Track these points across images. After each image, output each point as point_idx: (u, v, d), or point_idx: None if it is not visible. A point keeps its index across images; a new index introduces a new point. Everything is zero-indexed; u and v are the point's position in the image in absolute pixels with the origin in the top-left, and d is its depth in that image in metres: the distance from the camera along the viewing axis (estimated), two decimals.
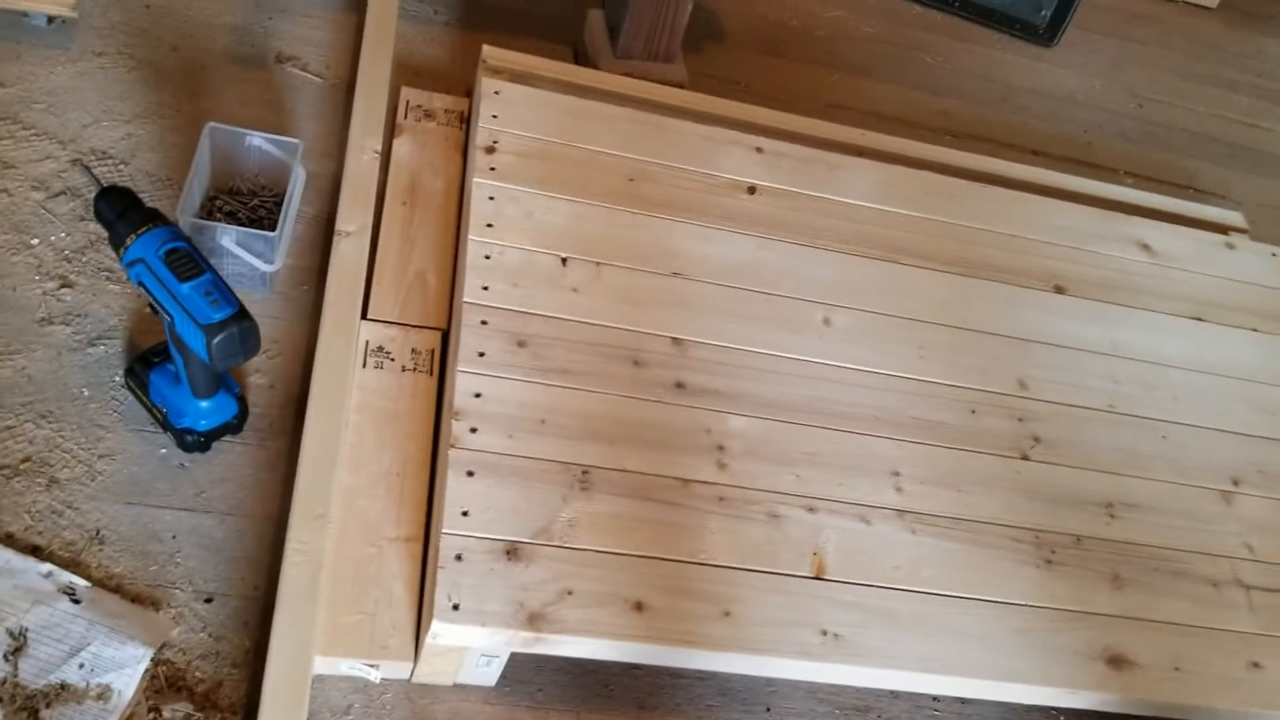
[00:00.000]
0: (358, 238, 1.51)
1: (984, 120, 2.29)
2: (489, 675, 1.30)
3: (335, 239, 1.50)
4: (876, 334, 1.62)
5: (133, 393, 1.38)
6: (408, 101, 1.76)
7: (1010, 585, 1.42)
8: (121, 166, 1.60)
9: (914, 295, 1.68)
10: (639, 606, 1.26)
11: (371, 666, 1.26)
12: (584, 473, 1.34)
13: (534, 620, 1.21)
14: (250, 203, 1.56)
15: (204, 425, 1.35)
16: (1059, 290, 1.78)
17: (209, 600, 1.28)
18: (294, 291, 1.56)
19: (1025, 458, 1.56)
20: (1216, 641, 1.46)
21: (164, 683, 1.20)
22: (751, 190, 1.72)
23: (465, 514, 1.26)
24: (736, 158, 1.75)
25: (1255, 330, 1.86)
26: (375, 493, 1.36)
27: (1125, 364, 1.72)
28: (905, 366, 1.59)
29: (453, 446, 1.31)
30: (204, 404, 1.34)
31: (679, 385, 1.46)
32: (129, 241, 1.24)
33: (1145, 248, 1.91)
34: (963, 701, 1.48)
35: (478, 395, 1.36)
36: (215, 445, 1.39)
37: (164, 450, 1.37)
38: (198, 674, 1.23)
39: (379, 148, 1.62)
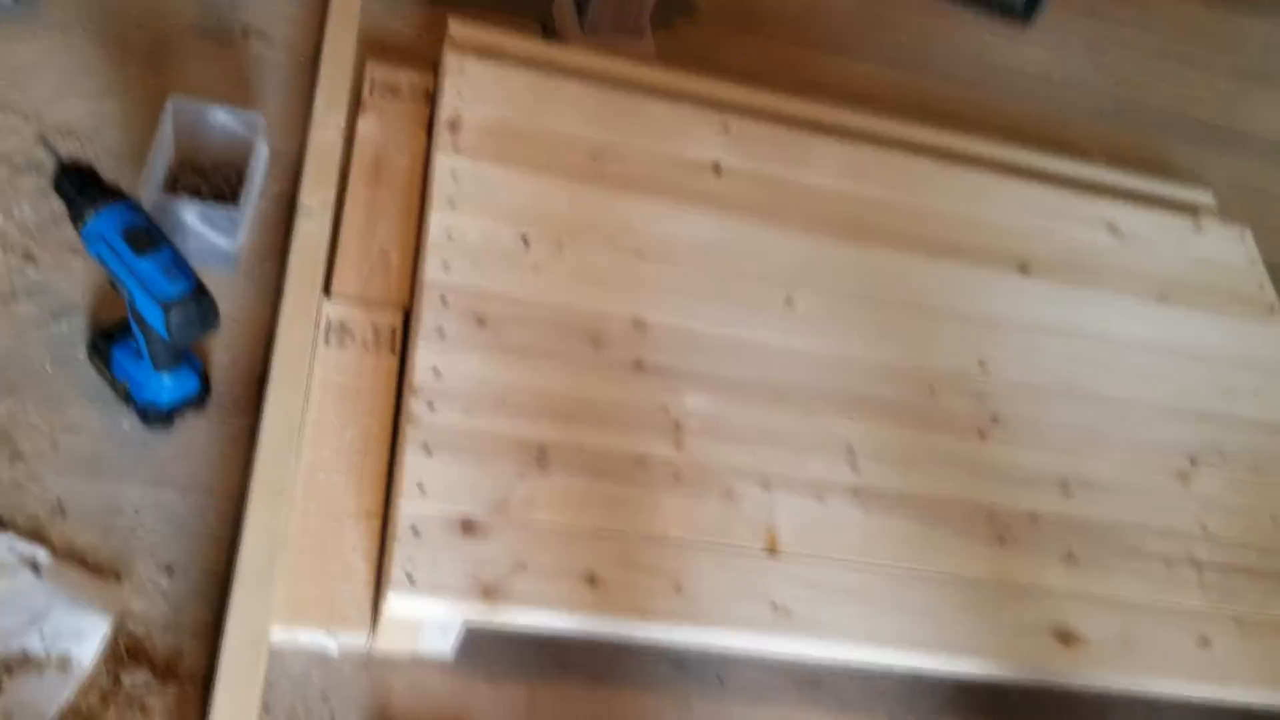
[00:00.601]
0: (320, 214, 1.52)
1: (959, 99, 2.29)
2: (447, 645, 1.32)
3: (297, 215, 1.51)
4: (838, 315, 1.63)
5: (96, 368, 1.40)
6: (373, 78, 1.76)
7: (962, 562, 1.44)
8: (86, 142, 1.60)
9: (877, 276, 1.69)
10: (592, 580, 1.28)
11: (329, 637, 1.28)
12: (541, 450, 1.36)
13: (488, 593, 1.24)
14: (213, 179, 1.57)
15: (166, 400, 1.36)
16: (1023, 271, 1.80)
17: (170, 573, 1.30)
18: (257, 269, 1.56)
19: (983, 436, 1.58)
20: (1166, 618, 1.49)
21: (124, 652, 1.22)
22: (717, 169, 1.73)
23: (421, 489, 1.28)
24: (702, 136, 1.76)
25: (1219, 312, 1.88)
26: (336, 468, 1.37)
27: (1087, 344, 1.74)
28: (865, 347, 1.61)
29: (410, 423, 1.33)
30: (165, 379, 1.35)
31: (638, 365, 1.48)
32: (88, 217, 1.25)
33: (1112, 229, 1.92)
34: (915, 678, 1.50)
35: (436, 372, 1.38)
36: (178, 422, 1.40)
37: (127, 426, 1.38)
38: (158, 644, 1.25)
39: (343, 123, 1.63)
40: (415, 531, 1.25)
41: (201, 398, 1.41)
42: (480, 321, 1.44)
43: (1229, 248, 1.98)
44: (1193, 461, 1.66)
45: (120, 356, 1.36)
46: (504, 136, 1.64)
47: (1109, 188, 2.03)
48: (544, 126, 1.67)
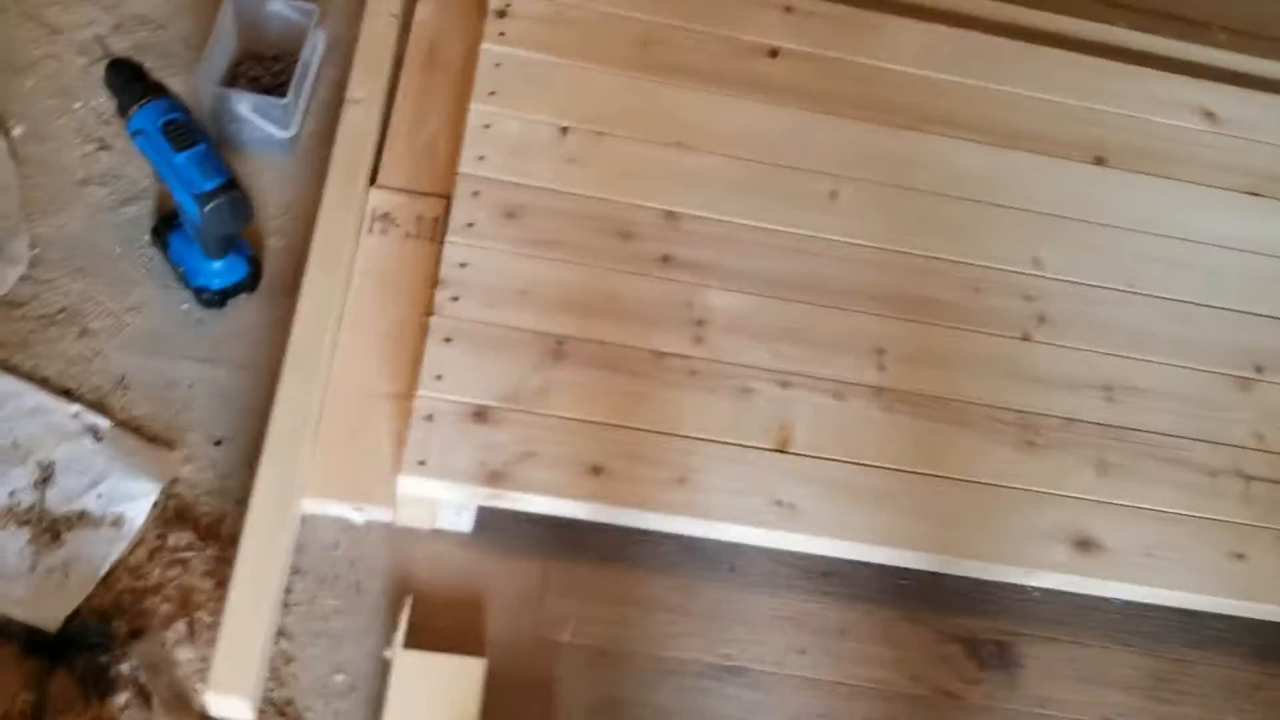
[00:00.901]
0: (366, 105, 1.57)
1: None
2: (464, 523, 1.41)
3: (344, 106, 1.56)
4: (884, 208, 1.60)
5: (159, 251, 1.50)
6: None
7: (982, 465, 1.43)
8: (160, 31, 1.68)
9: (932, 167, 1.64)
10: (596, 470, 1.34)
11: (356, 510, 1.38)
12: (558, 342, 1.40)
13: (494, 478, 1.31)
14: (274, 69, 1.63)
15: (217, 284, 1.46)
16: (1099, 162, 1.71)
17: (218, 443, 1.42)
18: (315, 155, 1.62)
19: (1026, 338, 1.54)
20: (1200, 531, 1.45)
21: (172, 514, 1.36)
22: (774, 54, 1.69)
23: (439, 378, 1.35)
24: (761, 18, 1.71)
25: None
26: (370, 352, 1.45)
27: (1157, 241, 1.65)
28: (910, 242, 1.58)
29: (433, 314, 1.39)
30: (216, 264, 1.45)
31: (666, 259, 1.49)
32: (131, 112, 1.33)
33: (1209, 115, 1.79)
34: (935, 575, 1.51)
35: (463, 265, 1.43)
36: (231, 302, 1.50)
37: (185, 306, 1.49)
38: (203, 508, 1.38)
39: (396, 11, 1.65)
40: (430, 419, 1.32)
41: (253, 282, 1.50)
42: (510, 215, 1.47)
43: None
44: (1258, 369, 1.58)
45: (176, 243, 1.46)
46: (553, 23, 1.64)
47: (1214, 68, 1.89)
48: (595, 12, 1.66)
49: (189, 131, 1.32)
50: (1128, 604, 1.53)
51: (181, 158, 1.31)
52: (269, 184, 1.61)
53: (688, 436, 1.38)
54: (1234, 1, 2.19)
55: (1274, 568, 1.44)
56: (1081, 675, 1.49)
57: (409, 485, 1.30)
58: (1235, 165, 1.75)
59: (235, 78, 1.64)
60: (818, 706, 1.42)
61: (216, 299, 1.48)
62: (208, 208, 1.30)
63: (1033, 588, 1.52)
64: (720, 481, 1.36)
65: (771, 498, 1.36)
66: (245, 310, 1.51)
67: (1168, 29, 2.10)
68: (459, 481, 1.30)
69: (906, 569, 1.49)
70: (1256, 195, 1.73)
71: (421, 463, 1.29)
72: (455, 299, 1.40)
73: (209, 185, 1.30)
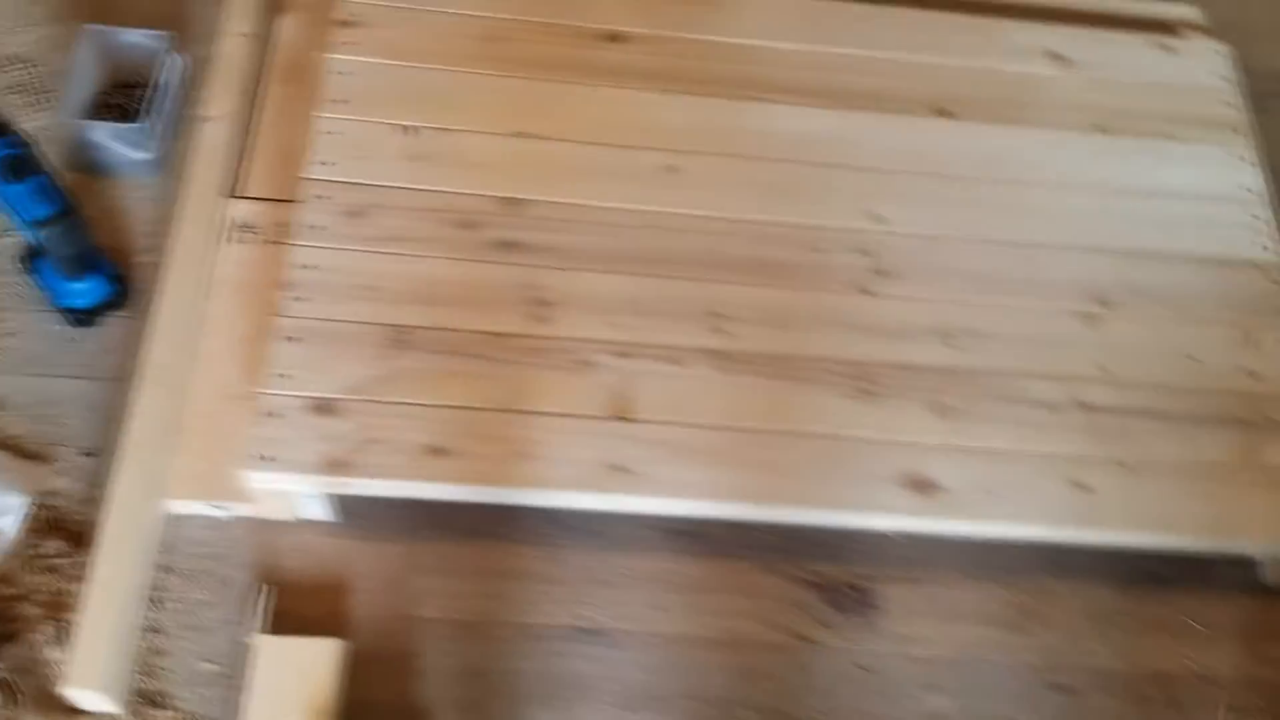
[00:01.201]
0: (220, 122, 1.64)
1: None
2: (325, 512, 1.47)
3: (198, 124, 1.64)
4: (724, 179, 1.65)
5: (29, 278, 1.58)
6: None
7: (819, 417, 1.48)
8: (34, 69, 1.76)
9: (773, 135, 1.69)
10: (437, 451, 1.40)
11: (220, 508, 1.46)
12: (401, 333, 1.47)
13: (336, 466, 1.37)
14: (137, 95, 1.71)
15: (81, 303, 1.54)
16: (943, 114, 1.75)
17: (89, 454, 1.49)
18: (182, 174, 1.70)
19: (864, 292, 1.58)
20: (1042, 463, 1.49)
21: (44, 524, 1.43)
22: (614, 38, 1.74)
23: (283, 376, 1.42)
24: (602, 5, 1.77)
25: (1171, 138, 1.78)
26: (231, 356, 1.53)
27: (1000, 187, 1.69)
28: (750, 209, 1.63)
29: (278, 315, 1.46)
30: (78, 285, 1.53)
31: (508, 244, 1.55)
32: None
33: (1057, 58, 1.83)
34: (793, 527, 1.56)
35: (307, 266, 1.50)
36: (102, 319, 1.58)
37: (58, 327, 1.57)
38: (75, 517, 1.45)
39: (248, 31, 1.72)
40: (273, 415, 1.39)
41: (121, 298, 1.58)
42: (355, 214, 1.54)
43: (1198, 67, 1.86)
44: (1102, 303, 1.62)
45: (42, 267, 1.54)
46: (396, 29, 1.70)
47: (1064, 10, 1.92)
48: (438, 15, 1.72)
49: (27, 164, 1.40)
50: (988, 541, 1.58)
51: (17, 189, 1.38)
52: (137, 204, 1.68)
53: (528, 412, 1.44)
54: None
55: (1117, 494, 1.48)
56: (941, 613, 1.54)
57: (255, 480, 1.37)
58: (1084, 104, 1.79)
59: (101, 107, 1.71)
60: (678, 660, 1.47)
61: (85, 318, 1.55)
62: (42, 234, 1.37)
63: (892, 532, 1.57)
64: (559, 452, 1.42)
65: (609, 463, 1.42)
66: (116, 326, 1.59)
67: None
68: (302, 472, 1.37)
69: (765, 524, 1.55)
70: (1105, 132, 1.77)
71: (264, 457, 1.36)
72: (300, 299, 1.47)
73: (42, 213, 1.37)
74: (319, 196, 1.54)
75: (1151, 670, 1.54)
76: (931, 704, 1.48)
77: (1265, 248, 1.69)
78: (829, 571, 1.55)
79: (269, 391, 1.41)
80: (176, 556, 1.46)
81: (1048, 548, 1.59)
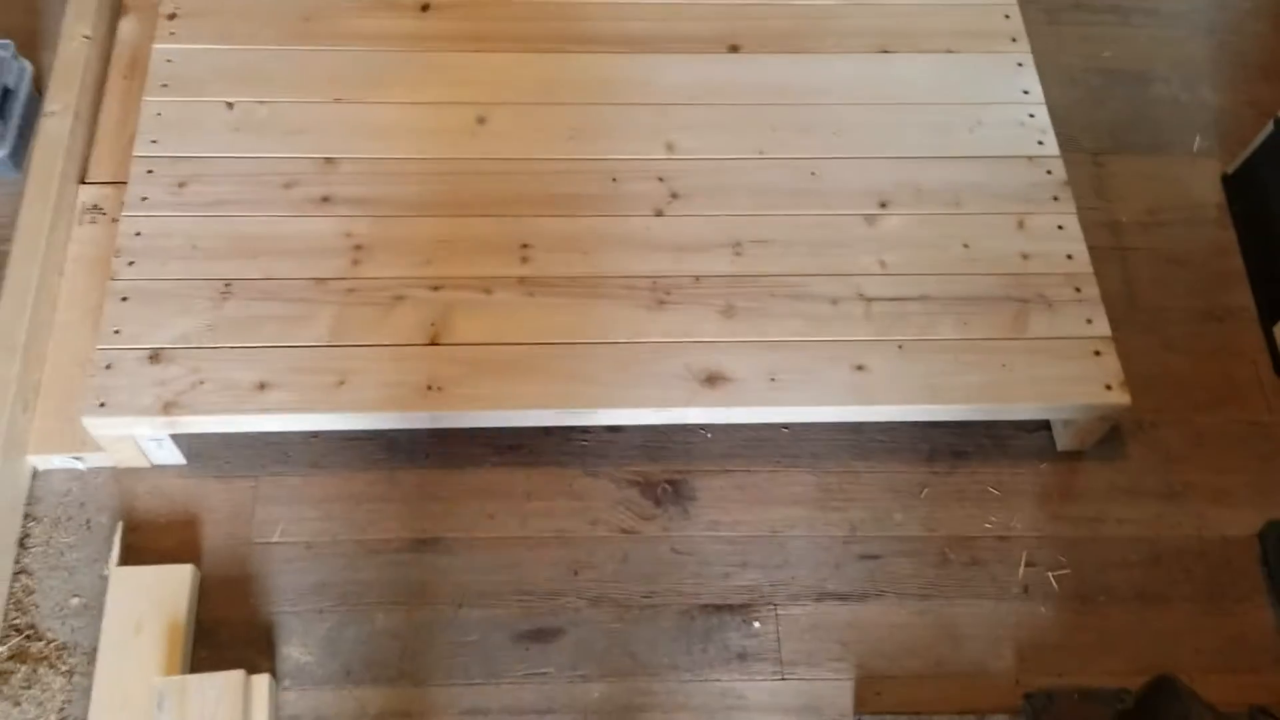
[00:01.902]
0: (61, 115, 1.78)
1: None
2: (175, 455, 1.61)
3: (41, 119, 1.78)
4: (528, 125, 1.79)
5: None
6: None
7: (617, 327, 1.62)
8: None
9: (573, 83, 1.83)
10: (262, 386, 1.54)
11: (77, 459, 1.60)
12: (226, 285, 1.61)
13: (168, 407, 1.51)
14: None
15: None
16: (733, 50, 1.89)
17: None
18: None
19: (659, 214, 1.72)
20: (823, 351, 1.62)
21: None
22: (425, 8, 1.89)
23: (117, 332, 1.56)
24: None
25: (949, 51, 1.91)
26: (82, 325, 1.67)
27: (786, 110, 1.83)
28: (553, 150, 1.77)
29: (111, 279, 1.60)
30: None
31: (326, 199, 1.69)
32: None
33: None
34: (612, 431, 1.70)
35: (138, 234, 1.64)
36: None
37: None
38: None
39: (89, 32, 1.87)
40: (109, 368, 1.53)
41: None
42: (182, 184, 1.68)
43: None
44: (882, 204, 1.75)
45: None
46: (219, 16, 1.84)
47: None
48: (259, 1, 1.86)
49: None
50: (794, 430, 1.72)
51: None
52: None
53: (346, 345, 1.58)
54: None
55: (891, 372, 1.61)
56: (751, 499, 1.68)
57: (94, 425, 1.51)
58: (867, 30, 1.92)
59: None
60: (506, 560, 1.61)
61: None
62: None
63: (702, 429, 1.71)
64: (376, 378, 1.56)
65: (423, 384, 1.56)
66: None
67: None
68: (136, 415, 1.51)
69: (585, 432, 1.69)
70: (886, 52, 1.90)
71: (101, 405, 1.50)
72: (131, 263, 1.61)
73: None
74: (148, 172, 1.69)
75: (953, 535, 1.68)
76: (744, 578, 1.62)
77: (1040, 143, 1.83)
78: (647, 470, 1.69)
79: (105, 347, 1.55)
80: (42, 506, 1.60)
81: (852, 433, 1.73)
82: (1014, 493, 1.71)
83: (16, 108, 1.83)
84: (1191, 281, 1.90)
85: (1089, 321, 1.66)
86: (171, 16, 1.83)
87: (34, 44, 1.98)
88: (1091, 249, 1.76)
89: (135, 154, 1.70)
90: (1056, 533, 1.68)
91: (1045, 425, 1.75)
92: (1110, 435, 1.73)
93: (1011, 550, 1.67)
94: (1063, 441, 1.73)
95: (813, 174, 1.77)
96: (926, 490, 1.70)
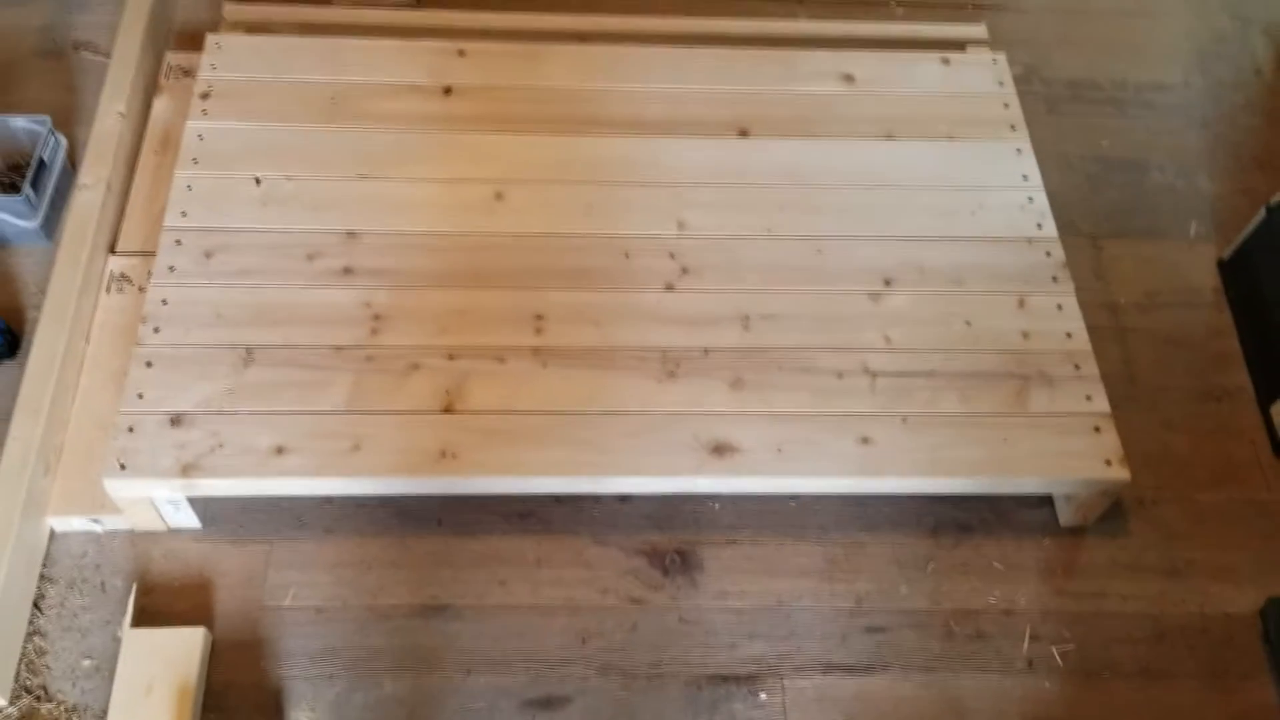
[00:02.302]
0: (94, 188, 1.85)
1: None
2: (191, 519, 1.64)
3: (74, 191, 1.85)
4: (544, 202, 1.85)
5: None
6: (168, 64, 2.07)
7: (628, 397, 1.66)
8: None
9: (588, 163, 1.89)
10: (278, 450, 1.57)
11: (95, 522, 1.63)
12: (248, 351, 1.65)
13: (186, 470, 1.55)
14: (26, 173, 1.92)
15: None
16: (743, 134, 1.96)
17: None
18: None
19: (670, 288, 1.77)
20: (829, 423, 1.66)
21: None
22: (448, 91, 1.96)
23: (140, 396, 1.60)
24: (437, 63, 1.99)
25: (951, 138, 1.98)
26: (105, 390, 1.71)
27: (794, 191, 1.89)
28: (568, 225, 1.82)
29: (136, 344, 1.65)
30: None
31: (346, 270, 1.75)
32: None
33: (848, 78, 2.04)
34: (622, 501, 1.73)
35: (164, 302, 1.69)
36: None
37: None
38: None
39: (123, 110, 1.94)
40: (131, 430, 1.57)
41: (10, 349, 1.77)
42: (208, 255, 1.74)
43: (977, 76, 2.07)
44: (887, 282, 1.80)
45: None
46: (250, 97, 1.92)
47: (863, 39, 2.14)
48: (289, 81, 1.94)
49: None
50: (802, 502, 1.75)
51: None
52: (30, 268, 1.89)
53: (362, 412, 1.62)
54: None
55: (896, 445, 1.64)
56: (758, 569, 1.70)
57: (114, 486, 1.54)
58: (871, 116, 1.99)
59: None
60: (515, 627, 1.62)
61: None
62: None
63: (710, 499, 1.74)
64: (390, 444, 1.59)
65: (436, 451, 1.59)
66: (6, 373, 1.77)
67: (844, 14, 2.37)
68: (155, 477, 1.54)
69: (596, 499, 1.72)
70: (891, 138, 1.97)
71: (122, 466, 1.54)
72: (157, 330, 1.66)
73: None
74: (177, 242, 1.74)
75: (958, 608, 1.69)
76: (751, 649, 1.63)
77: (1039, 226, 1.89)
78: (656, 540, 1.71)
79: (128, 410, 1.58)
80: (58, 568, 1.62)
81: (858, 506, 1.76)
82: (1018, 567, 1.73)
83: (50, 180, 1.90)
84: (1190, 362, 1.94)
85: (1088, 398, 1.69)
86: (205, 95, 1.91)
87: (71, 120, 2.06)
88: (1091, 329, 1.81)
89: (165, 225, 1.76)
90: (1060, 608, 1.70)
91: (1048, 501, 1.78)
92: (1112, 512, 1.75)
93: (1016, 624, 1.68)
94: (1065, 517, 1.76)
95: (819, 252, 1.83)
96: (932, 563, 1.72)
